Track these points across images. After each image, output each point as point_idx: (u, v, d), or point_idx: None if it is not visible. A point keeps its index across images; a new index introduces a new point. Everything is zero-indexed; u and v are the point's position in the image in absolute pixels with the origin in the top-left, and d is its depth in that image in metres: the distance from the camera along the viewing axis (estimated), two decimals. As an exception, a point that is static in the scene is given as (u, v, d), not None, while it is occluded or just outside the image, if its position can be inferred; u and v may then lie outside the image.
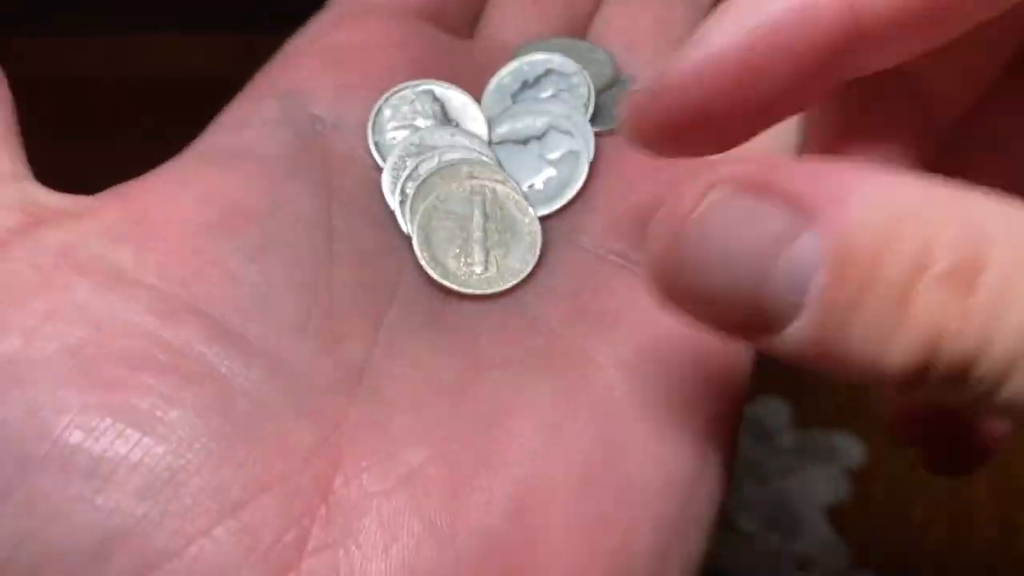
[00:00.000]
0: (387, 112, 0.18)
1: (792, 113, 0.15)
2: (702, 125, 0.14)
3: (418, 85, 0.19)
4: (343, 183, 0.17)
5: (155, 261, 0.15)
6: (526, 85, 0.20)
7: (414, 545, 0.13)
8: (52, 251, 0.15)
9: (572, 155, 0.19)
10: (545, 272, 0.18)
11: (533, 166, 0.19)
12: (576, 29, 0.22)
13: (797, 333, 0.12)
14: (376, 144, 0.18)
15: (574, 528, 0.14)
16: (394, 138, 0.18)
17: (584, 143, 0.19)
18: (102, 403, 0.13)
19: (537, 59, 0.20)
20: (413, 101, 0.18)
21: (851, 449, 0.38)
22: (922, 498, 0.39)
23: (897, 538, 0.37)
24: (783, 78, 0.13)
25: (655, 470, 0.15)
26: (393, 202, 0.17)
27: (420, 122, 0.18)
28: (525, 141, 0.19)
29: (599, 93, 0.20)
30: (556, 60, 0.20)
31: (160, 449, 0.13)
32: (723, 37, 0.13)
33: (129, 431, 0.13)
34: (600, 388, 0.16)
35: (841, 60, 0.13)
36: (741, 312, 0.12)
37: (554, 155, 0.19)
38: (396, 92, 0.18)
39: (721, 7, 0.13)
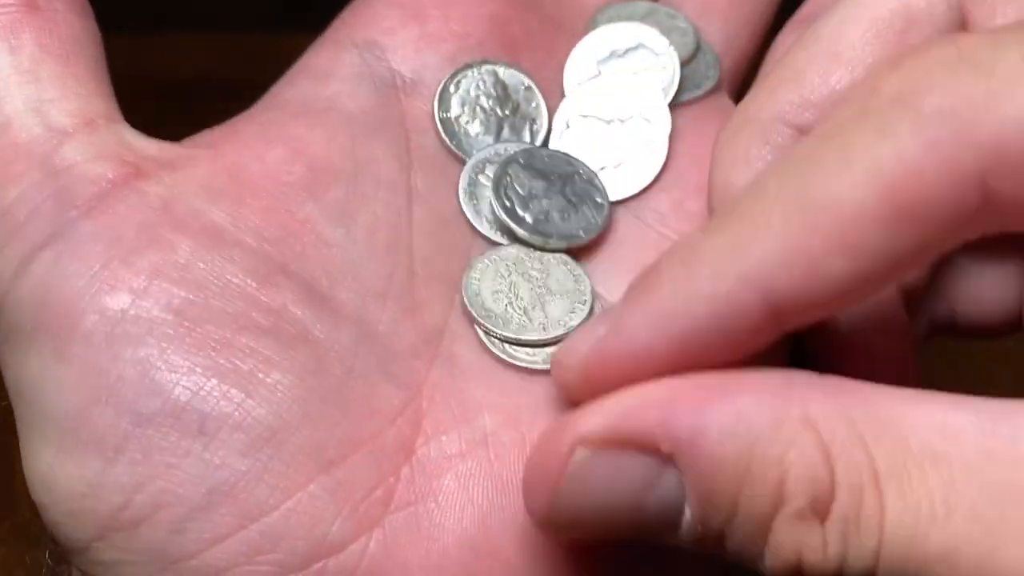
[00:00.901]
0: (451, 89, 0.19)
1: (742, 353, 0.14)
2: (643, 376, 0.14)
3: (482, 65, 0.19)
4: (422, 142, 0.18)
5: (250, 220, 0.16)
6: (614, 54, 0.20)
7: (487, 505, 0.15)
8: (154, 207, 0.15)
9: (649, 143, 0.19)
10: (611, 246, 0.18)
11: (612, 148, 0.19)
12: None
13: (687, 537, 0.13)
14: (441, 121, 0.18)
15: None
16: (459, 115, 0.19)
17: (662, 131, 0.19)
18: (208, 364, 0.14)
19: (629, 30, 0.20)
20: (477, 81, 0.19)
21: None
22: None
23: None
24: (701, 356, 0.13)
25: None
26: (467, 209, 0.18)
27: (483, 100, 0.19)
28: (609, 121, 0.19)
29: (683, 65, 0.20)
30: (648, 35, 0.20)
31: (262, 410, 0.14)
32: (646, 337, 0.13)
33: (233, 391, 0.14)
34: None
35: (768, 330, 0.13)
36: (627, 535, 0.13)
37: (633, 141, 0.19)
38: (461, 72, 0.19)
39: (642, 281, 0.13)
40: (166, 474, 0.14)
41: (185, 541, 0.14)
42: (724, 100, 0.21)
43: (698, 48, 0.20)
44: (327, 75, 0.18)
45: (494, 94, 0.19)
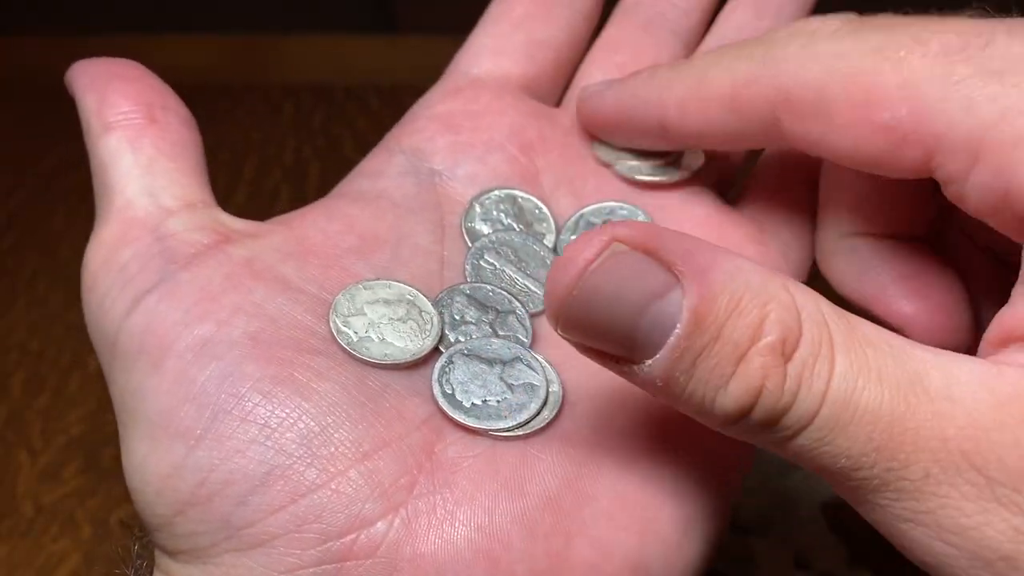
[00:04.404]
0: (477, 207, 0.23)
1: (673, 145, 0.24)
2: (611, 129, 0.24)
3: (503, 189, 0.23)
4: (453, 221, 0.23)
5: (311, 274, 0.20)
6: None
7: (493, 497, 0.18)
8: (237, 262, 0.20)
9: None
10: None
11: None
12: None
13: (650, 368, 0.15)
14: (467, 229, 0.22)
15: (616, 499, 0.18)
16: (480, 229, 0.23)
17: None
18: (273, 375, 0.18)
19: (605, 207, 0.24)
20: (499, 201, 0.23)
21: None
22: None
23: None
24: (632, 129, 0.23)
25: (688, 470, 0.19)
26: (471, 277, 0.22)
27: (502, 217, 0.23)
28: None
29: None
30: (618, 208, 0.24)
31: (314, 410, 0.18)
32: (607, 97, 0.24)
33: (293, 396, 0.18)
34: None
35: (661, 138, 0.23)
36: (614, 343, 0.16)
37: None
38: (485, 194, 0.23)
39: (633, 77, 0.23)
40: (235, 457, 0.17)
41: (247, 512, 0.17)
42: (703, 188, 0.25)
43: None
44: (379, 174, 0.23)
45: (512, 212, 0.23)
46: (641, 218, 0.24)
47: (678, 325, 0.15)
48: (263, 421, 0.17)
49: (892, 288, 0.21)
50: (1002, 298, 0.19)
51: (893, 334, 0.16)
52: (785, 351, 0.15)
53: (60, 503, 0.44)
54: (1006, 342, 0.16)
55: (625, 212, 0.23)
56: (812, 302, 0.16)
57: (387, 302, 0.20)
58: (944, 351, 0.16)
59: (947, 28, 0.17)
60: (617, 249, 0.15)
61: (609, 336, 0.16)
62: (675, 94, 0.21)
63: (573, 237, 0.23)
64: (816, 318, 0.15)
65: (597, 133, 0.24)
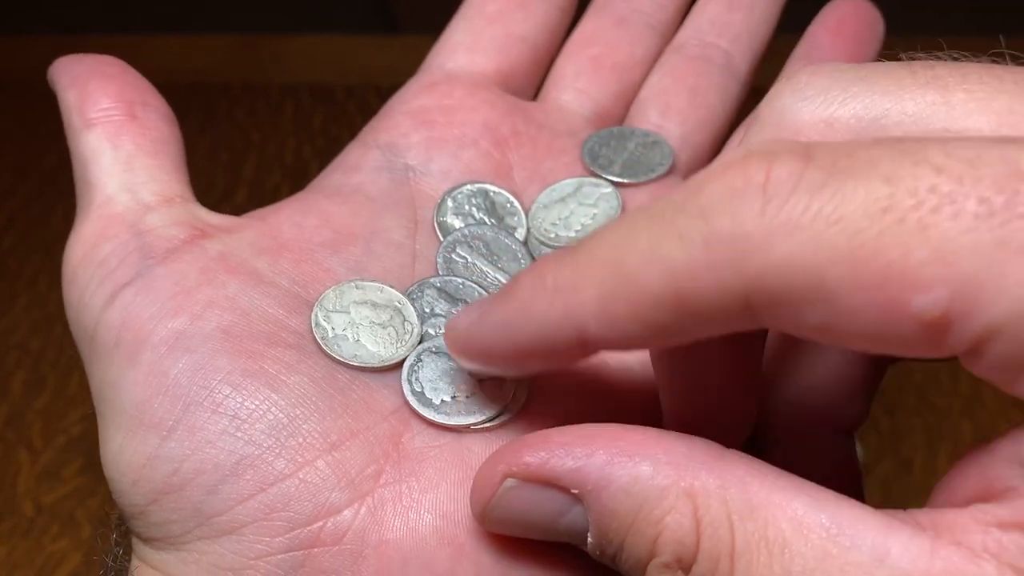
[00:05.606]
0: (449, 202, 0.23)
1: (560, 366, 0.17)
2: (498, 360, 0.18)
3: (475, 184, 0.23)
4: (426, 216, 0.23)
5: (284, 268, 0.21)
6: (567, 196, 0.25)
7: (458, 485, 0.18)
8: (212, 257, 0.20)
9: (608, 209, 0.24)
10: None
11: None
12: (627, 94, 0.27)
13: (592, 553, 0.16)
14: (439, 224, 0.23)
15: None
16: (452, 223, 0.23)
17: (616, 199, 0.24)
18: (244, 367, 0.18)
19: (567, 183, 0.24)
20: (471, 196, 0.23)
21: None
22: (917, 499, 0.39)
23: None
24: (528, 360, 0.17)
25: None
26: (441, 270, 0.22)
27: (474, 212, 0.23)
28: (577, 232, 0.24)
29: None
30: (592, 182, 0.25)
31: (283, 402, 0.18)
32: (491, 332, 0.17)
33: (262, 388, 0.18)
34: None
35: (580, 354, 0.16)
36: (549, 537, 0.17)
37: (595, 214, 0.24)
38: (458, 188, 0.23)
39: (504, 290, 0.17)
40: (206, 448, 0.18)
41: (217, 500, 0.17)
42: (677, 181, 0.25)
43: (623, 208, 0.25)
44: (355, 168, 0.23)
45: (484, 207, 0.23)
46: (610, 195, 0.23)
47: (588, 534, 0.16)
48: (233, 412, 0.18)
49: (681, 396, 0.18)
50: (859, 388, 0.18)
51: (833, 515, 0.14)
52: (683, 566, 0.15)
53: (60, 503, 0.44)
54: (984, 497, 0.14)
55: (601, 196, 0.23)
56: (719, 503, 0.15)
57: (374, 305, 0.21)
58: (886, 535, 0.13)
59: (961, 155, 0.13)
60: (509, 484, 0.16)
61: (540, 536, 0.17)
62: (588, 297, 0.15)
63: (549, 230, 0.23)
64: (718, 523, 0.15)
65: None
